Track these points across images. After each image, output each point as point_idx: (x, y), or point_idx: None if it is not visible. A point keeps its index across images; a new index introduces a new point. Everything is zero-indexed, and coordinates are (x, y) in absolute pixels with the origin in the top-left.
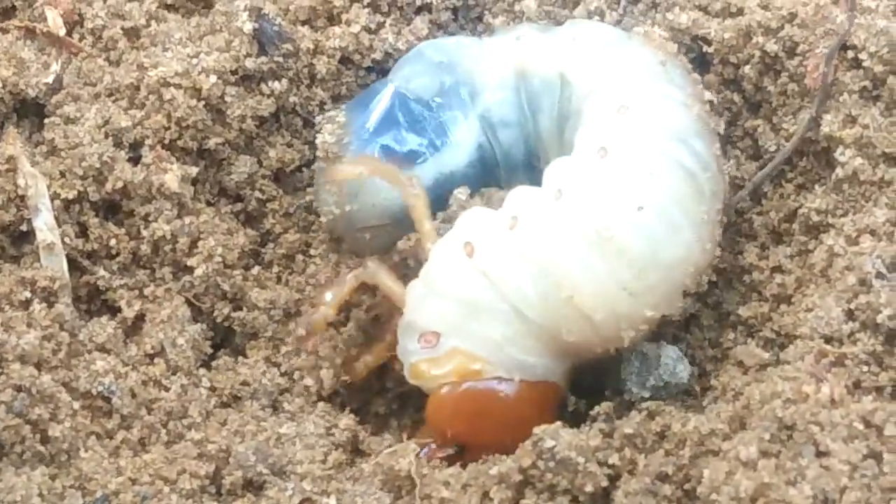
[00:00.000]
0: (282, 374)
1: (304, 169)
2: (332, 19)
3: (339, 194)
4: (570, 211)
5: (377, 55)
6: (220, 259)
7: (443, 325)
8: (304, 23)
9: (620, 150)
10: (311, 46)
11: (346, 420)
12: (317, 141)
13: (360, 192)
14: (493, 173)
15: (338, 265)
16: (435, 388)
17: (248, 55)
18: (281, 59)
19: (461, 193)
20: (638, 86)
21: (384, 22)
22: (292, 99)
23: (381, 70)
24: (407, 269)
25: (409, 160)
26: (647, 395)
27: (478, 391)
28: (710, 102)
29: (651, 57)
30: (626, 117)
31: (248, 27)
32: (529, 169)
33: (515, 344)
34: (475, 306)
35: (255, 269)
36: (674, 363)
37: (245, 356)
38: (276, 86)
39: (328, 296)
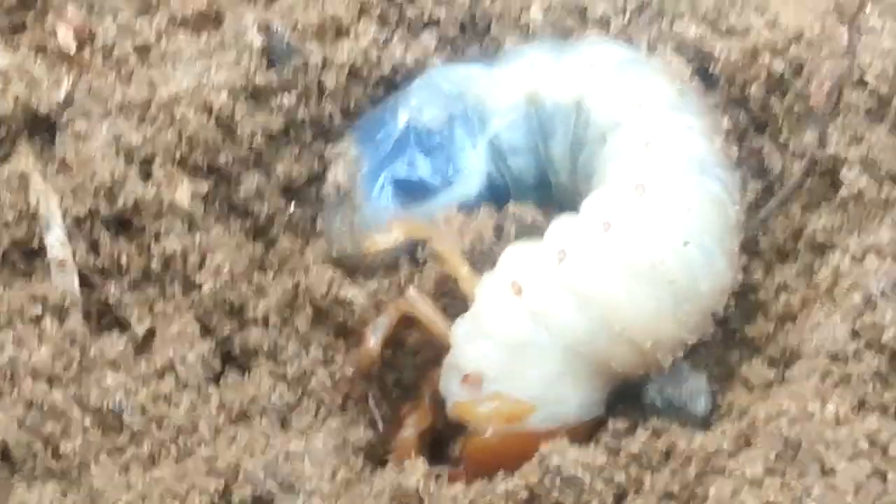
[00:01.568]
0: (289, 391)
1: (313, 183)
2: (341, 33)
3: (352, 230)
4: (620, 244)
5: (385, 70)
6: (227, 275)
7: (487, 368)
8: (312, 37)
9: (656, 186)
10: (320, 61)
11: (357, 435)
12: (328, 177)
13: (374, 225)
14: (503, 201)
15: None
16: (476, 428)
17: (258, 70)
18: (290, 75)
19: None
20: (661, 119)
21: (391, 37)
22: (301, 113)
23: (388, 84)
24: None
25: (425, 196)
26: (658, 403)
27: (519, 437)
28: (727, 132)
29: (669, 87)
30: (654, 152)
31: (258, 43)
32: (539, 191)
33: (561, 381)
34: (523, 348)
35: (256, 277)
36: (697, 393)
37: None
38: (286, 101)
39: (373, 331)
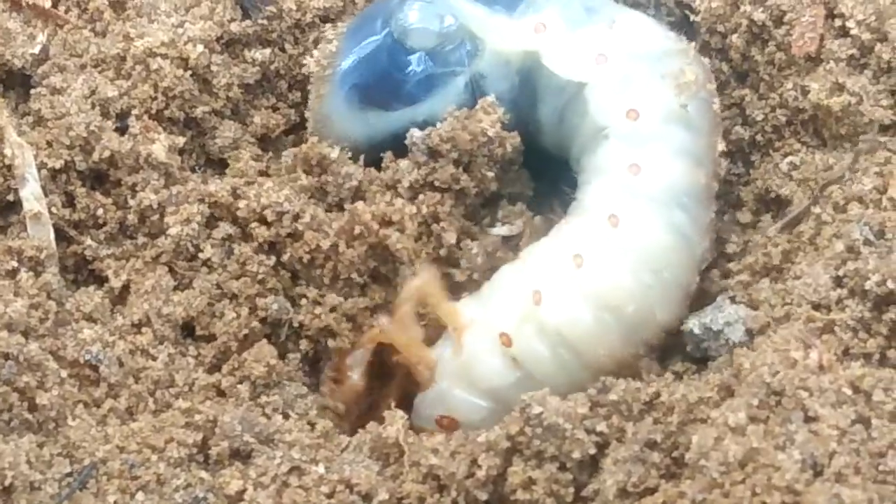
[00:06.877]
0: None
1: (289, 134)
2: None
3: (314, 115)
4: (591, 285)
5: None
6: (196, 223)
7: (468, 417)
8: None
9: (631, 220)
10: (294, 7)
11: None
12: (310, 60)
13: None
14: None
15: None
16: None
17: (233, 20)
18: (265, 22)
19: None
20: (652, 136)
21: None
22: (277, 63)
23: None
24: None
25: (388, 106)
26: (697, 330)
27: None
28: (724, 152)
29: (673, 97)
30: (636, 180)
31: None
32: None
33: None
34: (507, 397)
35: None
36: (734, 321)
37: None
38: (259, 55)
39: (353, 366)
